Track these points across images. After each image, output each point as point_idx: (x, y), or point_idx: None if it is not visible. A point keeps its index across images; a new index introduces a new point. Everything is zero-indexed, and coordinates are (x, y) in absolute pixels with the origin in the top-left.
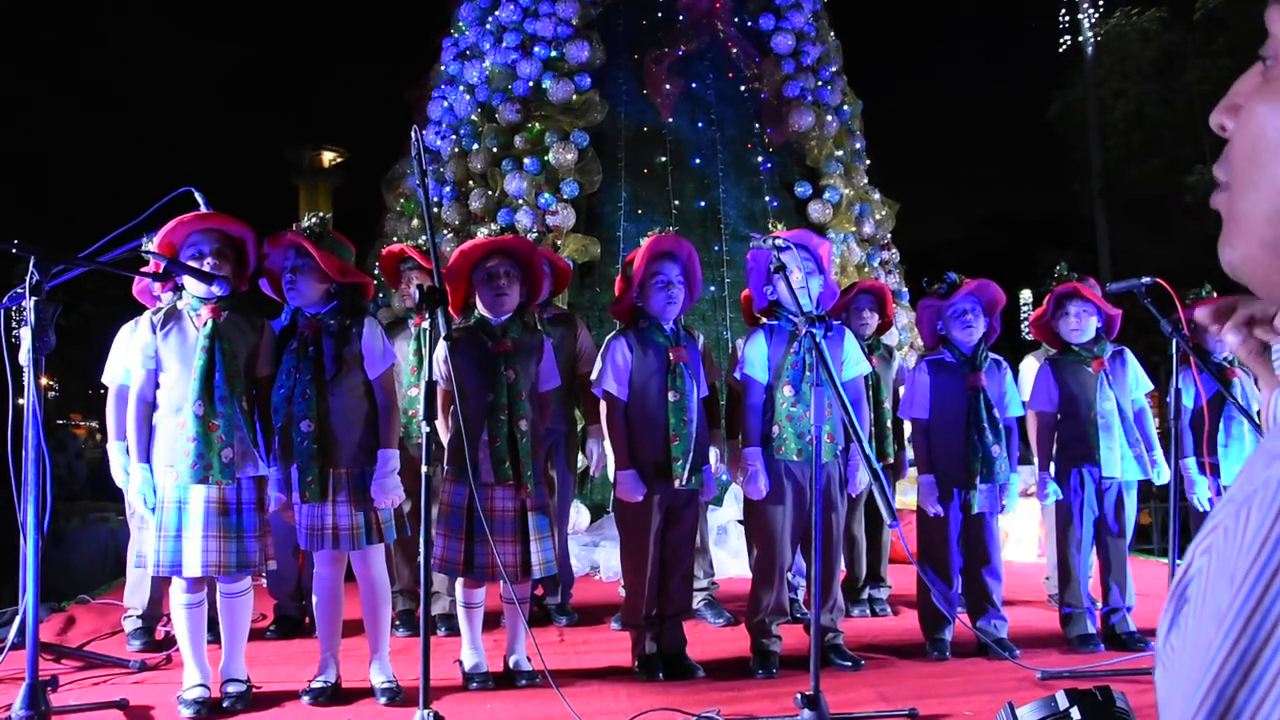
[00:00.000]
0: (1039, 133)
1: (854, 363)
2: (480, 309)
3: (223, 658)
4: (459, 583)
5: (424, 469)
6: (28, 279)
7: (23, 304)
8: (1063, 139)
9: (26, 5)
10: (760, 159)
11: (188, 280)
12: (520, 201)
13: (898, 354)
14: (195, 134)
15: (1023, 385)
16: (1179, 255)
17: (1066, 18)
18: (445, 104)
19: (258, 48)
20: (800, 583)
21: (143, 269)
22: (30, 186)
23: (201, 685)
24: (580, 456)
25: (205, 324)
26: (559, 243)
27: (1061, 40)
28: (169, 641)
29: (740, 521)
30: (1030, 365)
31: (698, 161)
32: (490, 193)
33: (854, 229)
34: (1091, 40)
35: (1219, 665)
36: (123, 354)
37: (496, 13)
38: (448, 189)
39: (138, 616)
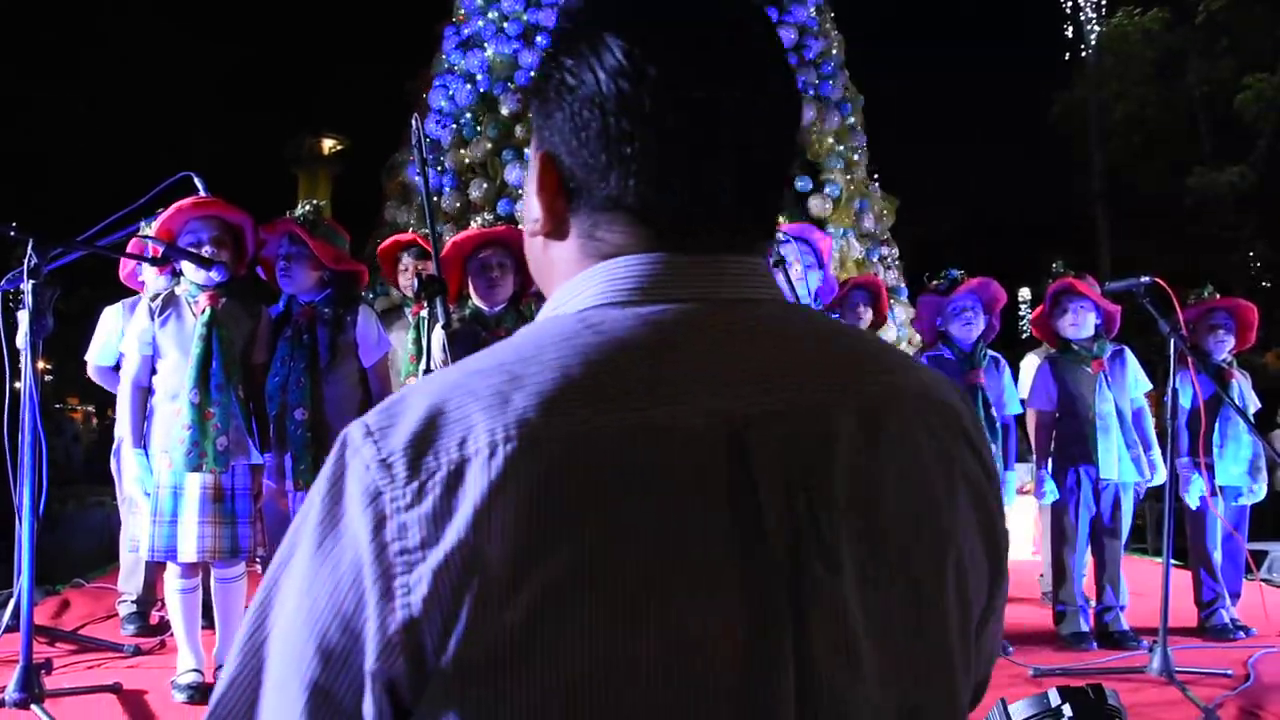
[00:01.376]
0: (1040, 132)
1: None
2: (474, 299)
3: (216, 643)
4: None
5: None
6: (25, 262)
7: (21, 287)
8: (1064, 139)
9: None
10: None
11: (186, 266)
12: (520, 191)
13: None
14: (195, 119)
15: (1023, 383)
16: (1179, 256)
17: (1069, 18)
18: (446, 93)
19: (258, 36)
20: None
21: (141, 254)
22: (29, 184)
23: (195, 670)
24: None
25: (203, 311)
26: None
27: (1064, 41)
28: (163, 626)
29: None
30: (1031, 363)
31: None
32: (490, 182)
33: (854, 224)
34: (1093, 41)
35: None
36: (105, 333)
37: (498, 2)
38: (447, 178)
39: (132, 601)
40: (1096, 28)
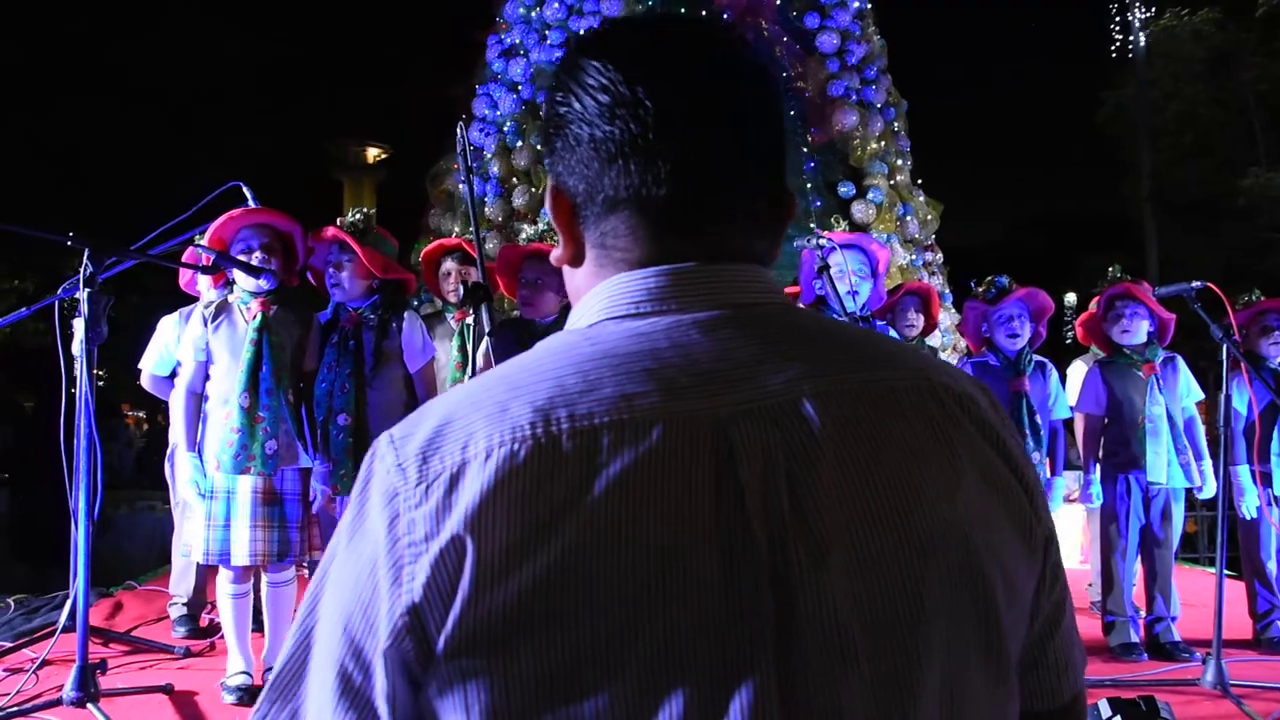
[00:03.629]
0: (1086, 134)
1: None
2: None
3: (265, 646)
4: None
5: None
6: (81, 271)
7: (76, 295)
8: (1111, 141)
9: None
10: (804, 158)
11: (237, 274)
12: None
13: (941, 356)
14: (240, 131)
15: (1070, 389)
16: (1229, 259)
17: (1117, 19)
18: (490, 101)
19: (303, 45)
20: None
21: (194, 263)
22: (74, 182)
23: (244, 673)
24: None
25: (254, 317)
26: None
27: (1112, 41)
28: (213, 629)
29: None
30: (1078, 369)
31: None
32: (533, 190)
33: (897, 230)
34: (1142, 41)
35: None
36: (161, 343)
37: (541, 10)
38: (491, 185)
39: (183, 604)
40: (1140, 27)
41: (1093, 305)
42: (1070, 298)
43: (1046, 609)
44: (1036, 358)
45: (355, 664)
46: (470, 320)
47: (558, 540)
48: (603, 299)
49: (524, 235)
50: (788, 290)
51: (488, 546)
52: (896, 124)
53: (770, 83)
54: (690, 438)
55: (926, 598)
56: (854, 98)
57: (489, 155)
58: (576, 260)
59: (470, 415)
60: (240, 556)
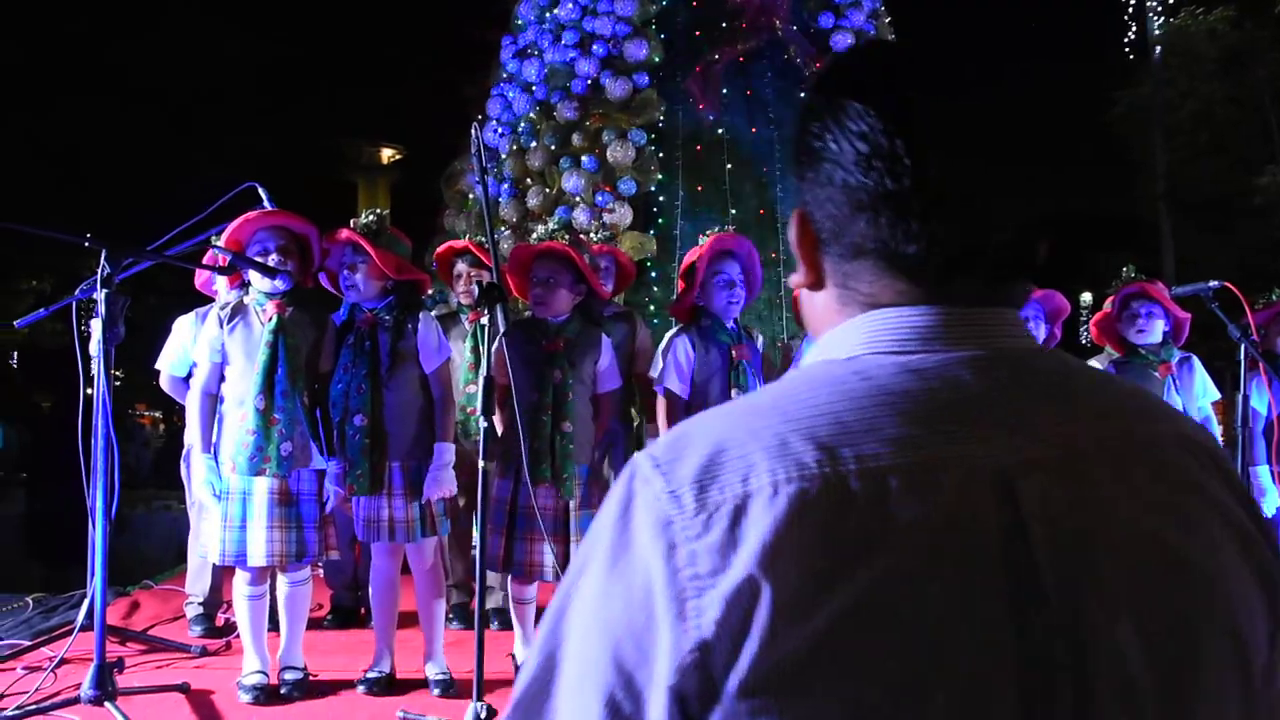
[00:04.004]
0: (1098, 133)
1: None
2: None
3: (281, 646)
4: (509, 578)
5: (481, 464)
6: (99, 272)
7: (94, 296)
8: (1124, 140)
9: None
10: None
11: (253, 275)
12: (578, 199)
13: None
14: (253, 132)
15: None
16: (1245, 258)
17: (1131, 17)
18: (504, 102)
19: (317, 46)
20: None
21: (211, 264)
22: (83, 183)
23: (260, 672)
24: None
25: (270, 319)
26: (616, 240)
27: (1126, 39)
28: (229, 628)
29: None
30: None
31: (755, 160)
32: (548, 190)
33: None
34: (1157, 39)
35: None
36: (179, 343)
37: (555, 11)
38: (506, 186)
39: (199, 603)
40: (1158, 28)
41: (1107, 305)
42: (1085, 298)
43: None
44: None
45: (625, 693)
46: (485, 321)
47: (853, 584)
48: (863, 332)
49: (535, 235)
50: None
51: (783, 587)
52: None
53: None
54: (975, 484)
55: (1201, 652)
56: None
57: (503, 156)
58: (816, 287)
59: (747, 445)
60: (257, 557)
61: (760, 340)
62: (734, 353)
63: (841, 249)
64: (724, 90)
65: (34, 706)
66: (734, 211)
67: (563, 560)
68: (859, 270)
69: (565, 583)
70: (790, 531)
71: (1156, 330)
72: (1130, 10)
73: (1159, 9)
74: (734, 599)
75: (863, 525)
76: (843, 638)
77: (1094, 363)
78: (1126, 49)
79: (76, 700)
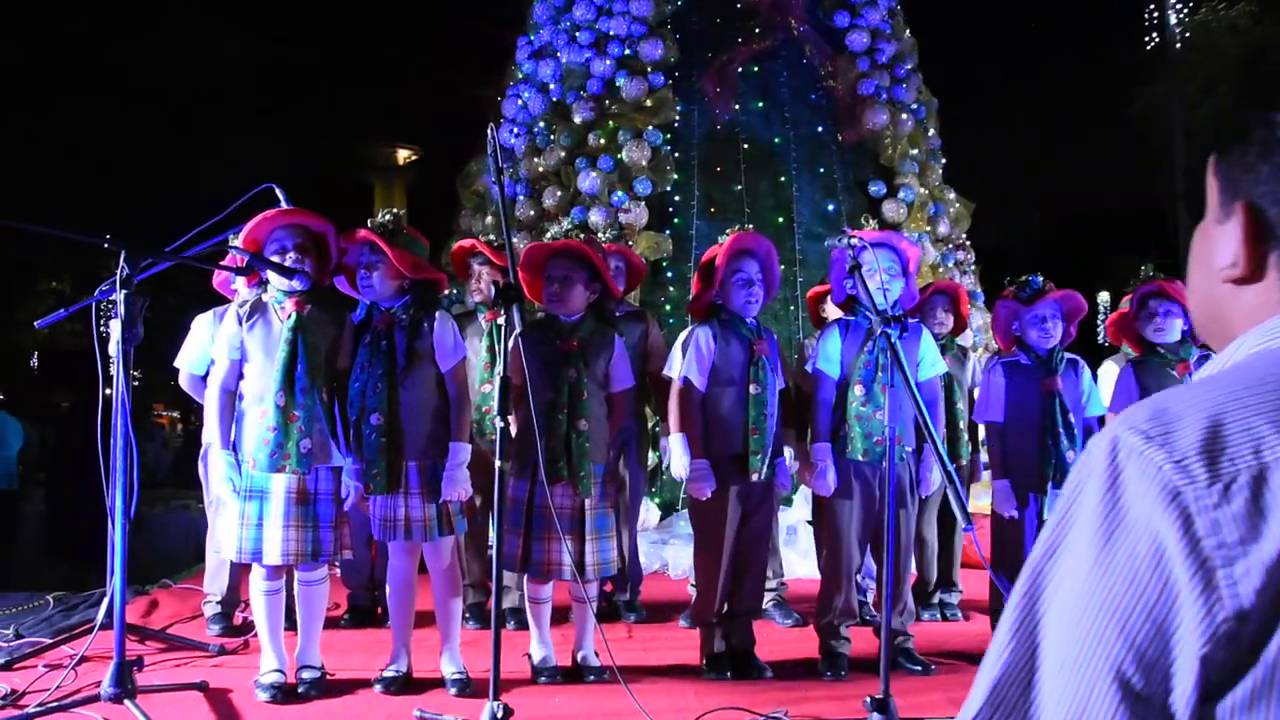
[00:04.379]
0: (1118, 131)
1: (930, 363)
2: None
3: (298, 644)
4: (525, 578)
5: (498, 464)
6: (118, 273)
7: (113, 297)
8: (1144, 137)
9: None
10: (834, 158)
11: (270, 274)
12: (593, 199)
13: (972, 355)
14: (269, 128)
15: (1102, 390)
16: None
17: (1154, 13)
18: (519, 102)
19: (331, 46)
20: (869, 585)
21: (227, 264)
22: (106, 183)
23: (278, 670)
24: (651, 454)
25: (289, 317)
26: (631, 240)
27: (1146, 37)
28: (246, 627)
29: (809, 522)
30: (1109, 370)
31: (771, 160)
32: (563, 190)
33: (928, 229)
34: (1178, 36)
35: None
36: (198, 342)
37: (570, 11)
38: (521, 186)
39: (217, 602)
40: (1179, 25)
41: (1124, 303)
42: (1103, 296)
43: None
44: (1067, 355)
45: (1136, 666)
46: (501, 320)
47: None
48: None
49: (550, 234)
50: (817, 289)
51: None
52: (927, 122)
53: None
54: None
55: None
56: (884, 96)
57: (519, 156)
58: (1249, 279)
59: (1248, 417)
60: (273, 555)
61: (775, 340)
62: (755, 347)
63: None
64: (739, 90)
65: (55, 704)
66: (749, 211)
67: (579, 559)
68: None
69: (1033, 562)
70: None
71: (1175, 329)
72: (1151, 5)
73: (1178, 5)
74: (1275, 568)
75: None
76: None
77: (1110, 363)
78: (1146, 45)
79: (97, 698)
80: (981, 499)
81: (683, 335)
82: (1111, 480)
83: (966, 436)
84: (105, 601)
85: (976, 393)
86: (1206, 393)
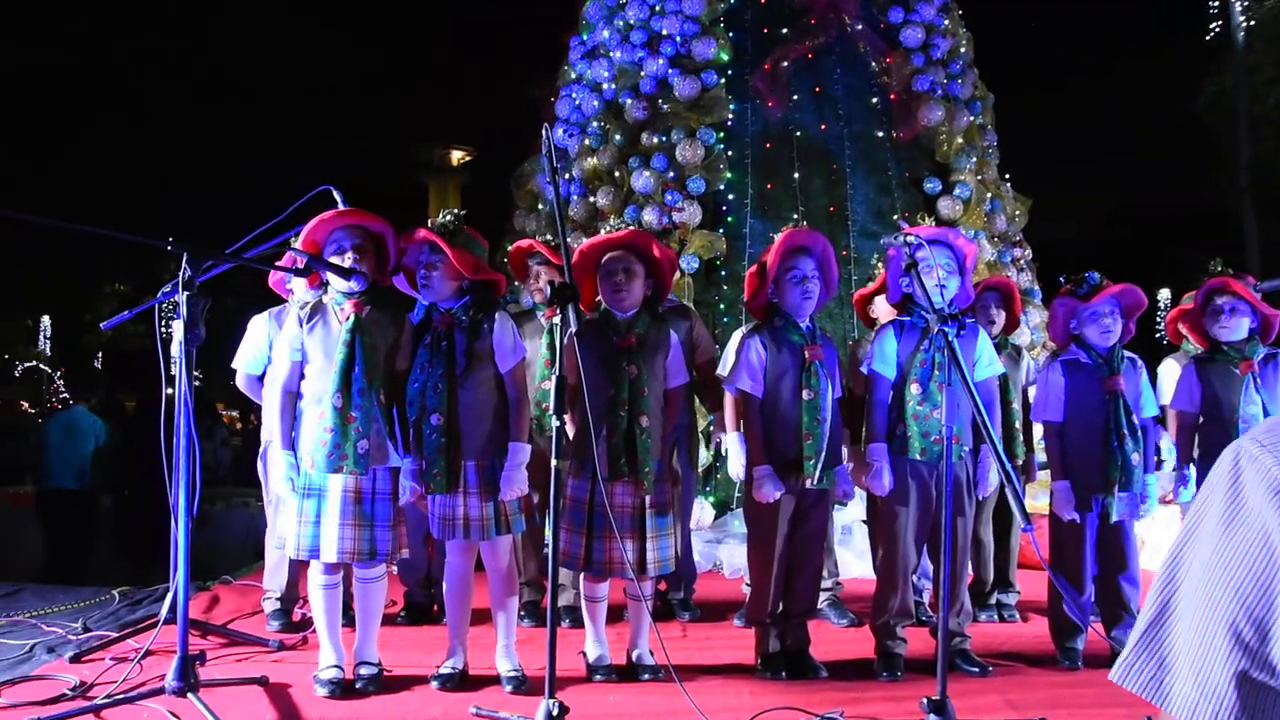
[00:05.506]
0: (1179, 125)
1: (986, 363)
2: (605, 304)
3: (356, 641)
4: (582, 576)
5: (554, 462)
6: (180, 274)
7: (175, 299)
8: (1206, 131)
9: (151, 4)
10: (888, 155)
11: (330, 276)
12: (647, 198)
13: (1027, 354)
14: (324, 134)
15: (1162, 389)
16: None
17: (1216, 3)
18: (573, 103)
19: (388, 49)
20: (925, 585)
21: (285, 265)
22: (162, 182)
23: (336, 666)
24: (703, 451)
25: (348, 318)
26: (685, 239)
27: (1209, 25)
28: (305, 623)
29: (865, 521)
30: (1170, 368)
31: (825, 158)
32: (617, 190)
33: (985, 225)
34: (1243, 25)
35: None
36: (255, 343)
37: (623, 10)
38: (575, 186)
39: (276, 599)
40: (1245, 14)
41: (1188, 300)
42: (1163, 293)
43: None
44: (1126, 354)
45: (1247, 622)
46: (558, 319)
47: None
48: None
49: (605, 230)
50: (866, 290)
51: None
52: (983, 118)
53: None
54: None
55: None
56: (939, 92)
57: (572, 156)
58: None
59: None
60: (329, 553)
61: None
62: (806, 353)
63: None
64: (792, 87)
65: (122, 696)
66: (803, 209)
67: (639, 557)
68: None
69: (1173, 549)
70: None
71: (1241, 327)
72: None
73: None
74: None
75: None
76: None
77: (1171, 360)
78: (1209, 36)
79: (161, 691)
80: (1038, 499)
81: (735, 337)
82: (1234, 479)
83: (1022, 436)
84: (169, 597)
85: (1032, 391)
86: None
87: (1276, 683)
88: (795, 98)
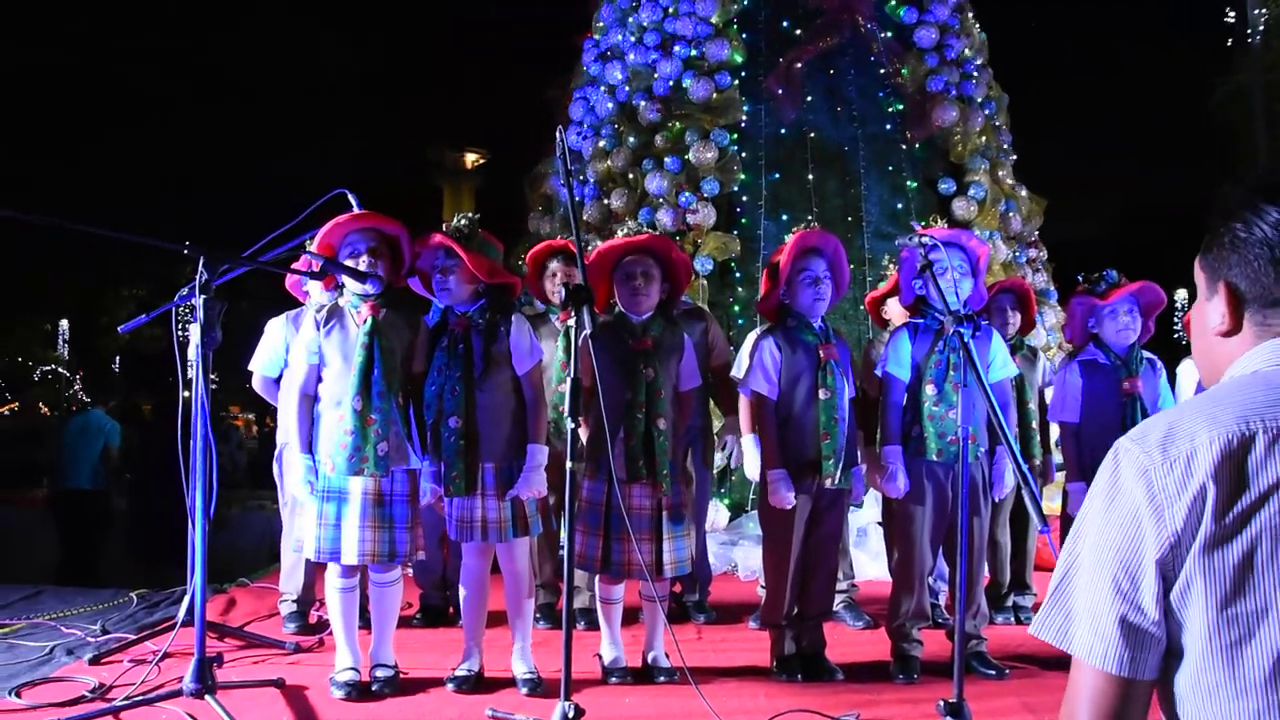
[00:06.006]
0: (1195, 124)
1: (1001, 365)
2: (621, 307)
3: (372, 643)
4: (597, 578)
5: (569, 465)
6: (197, 278)
7: (191, 302)
8: (1223, 130)
9: (163, 6)
10: (903, 156)
11: (346, 279)
12: (661, 200)
13: (1043, 355)
14: (339, 136)
15: (1181, 390)
16: None
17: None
18: (587, 105)
19: (398, 52)
20: (942, 587)
21: (305, 270)
22: (176, 185)
23: (352, 669)
24: (718, 454)
25: (365, 321)
26: (699, 242)
27: (1225, 24)
28: (321, 626)
29: (880, 523)
30: (1188, 369)
31: (839, 159)
32: (631, 192)
33: (1000, 226)
34: (1261, 21)
35: None
36: (271, 345)
37: (637, 13)
38: (589, 188)
39: (292, 601)
40: (1260, 12)
41: None
42: (1181, 294)
43: None
44: (1146, 354)
45: (1124, 575)
46: (573, 321)
47: (1263, 510)
48: (1265, 355)
49: (622, 232)
50: (879, 292)
51: (1221, 491)
52: (998, 118)
53: None
54: None
55: None
56: (954, 93)
57: (586, 158)
58: (1233, 332)
59: (1190, 420)
60: (349, 555)
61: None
62: (821, 353)
63: (1262, 302)
64: (806, 88)
65: (141, 698)
66: (817, 210)
67: (656, 559)
68: (1276, 310)
69: (1074, 527)
70: (1224, 461)
71: None
72: None
73: None
74: (1193, 501)
75: (1261, 465)
76: (1247, 530)
77: (1190, 362)
78: (1227, 34)
79: (179, 693)
80: (1055, 500)
81: (749, 340)
82: (1115, 468)
83: (1039, 437)
84: (186, 599)
85: (1048, 393)
86: (1176, 409)
87: (1147, 623)
88: (809, 99)
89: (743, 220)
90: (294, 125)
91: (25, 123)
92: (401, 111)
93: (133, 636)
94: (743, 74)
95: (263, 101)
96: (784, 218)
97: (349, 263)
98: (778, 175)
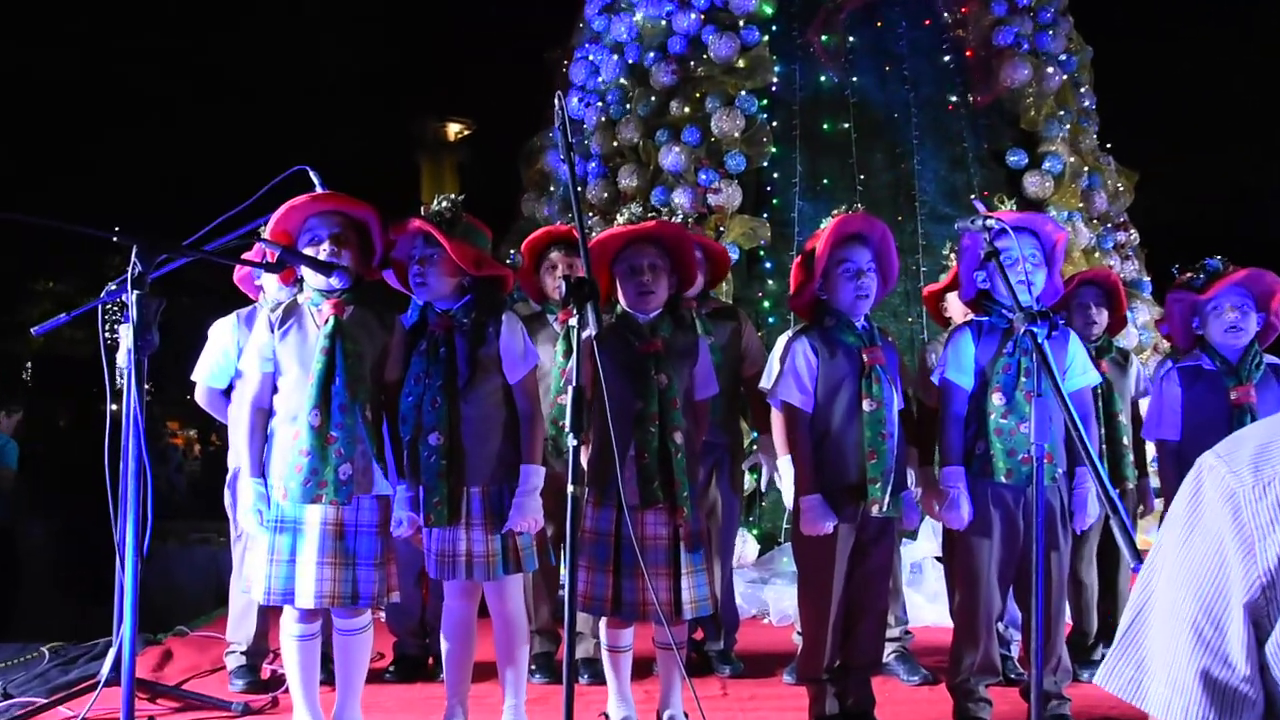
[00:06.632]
0: None
1: (1080, 371)
2: (623, 305)
3: (336, 702)
4: (603, 622)
5: (570, 489)
6: (129, 271)
7: (123, 298)
8: None
9: (163, 6)
10: (964, 123)
11: (306, 272)
12: (677, 178)
13: (1136, 359)
14: (339, 136)
15: None
16: None
17: None
18: (590, 66)
19: (401, 48)
20: (1014, 636)
21: (254, 259)
22: (132, 179)
23: None
24: (747, 476)
25: (326, 321)
26: (722, 227)
27: None
28: (276, 681)
29: (939, 559)
30: None
31: (887, 128)
32: (642, 168)
33: (1081, 205)
34: None
35: None
36: (218, 350)
37: None
38: (593, 164)
39: (241, 653)
40: None
41: None
42: None
43: None
44: (1268, 359)
45: (1207, 621)
46: (575, 321)
47: None
48: None
49: (623, 218)
50: (938, 285)
51: None
52: (1079, 76)
53: None
54: None
55: None
56: (1026, 46)
57: (590, 129)
58: None
59: None
60: (305, 598)
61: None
62: (865, 357)
63: None
64: (849, 44)
65: None
66: (861, 189)
67: (674, 598)
68: None
69: (1148, 560)
70: None
71: None
72: None
73: None
74: None
75: None
76: None
77: None
78: None
79: None
80: (1151, 533)
81: (780, 342)
82: (1196, 490)
83: (1131, 457)
84: (111, 653)
85: (1143, 405)
86: (1267, 425)
87: (1235, 679)
88: (851, 57)
89: (773, 201)
90: (294, 125)
91: (25, 123)
92: (401, 112)
93: (43, 700)
94: (773, 28)
95: (263, 101)
96: (822, 198)
97: (309, 252)
98: (815, 148)
